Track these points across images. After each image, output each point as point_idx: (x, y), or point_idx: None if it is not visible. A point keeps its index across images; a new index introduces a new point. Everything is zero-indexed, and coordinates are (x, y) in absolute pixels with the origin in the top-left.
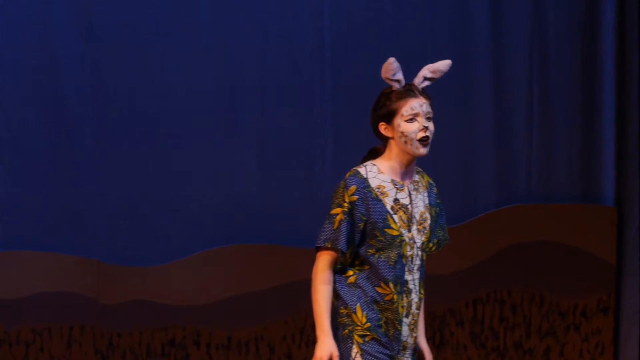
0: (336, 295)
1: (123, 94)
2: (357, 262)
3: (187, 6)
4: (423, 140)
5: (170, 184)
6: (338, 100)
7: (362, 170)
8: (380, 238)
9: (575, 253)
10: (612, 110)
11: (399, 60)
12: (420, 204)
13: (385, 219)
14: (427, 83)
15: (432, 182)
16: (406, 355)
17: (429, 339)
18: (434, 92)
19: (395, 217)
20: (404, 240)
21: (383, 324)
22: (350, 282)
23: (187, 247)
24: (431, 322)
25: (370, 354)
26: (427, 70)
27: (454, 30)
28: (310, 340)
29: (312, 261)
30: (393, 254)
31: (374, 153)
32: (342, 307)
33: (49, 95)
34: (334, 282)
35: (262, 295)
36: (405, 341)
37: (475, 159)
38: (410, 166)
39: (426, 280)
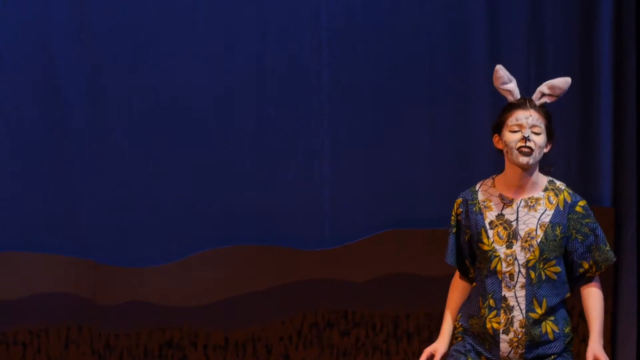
0: None
1: (121, 95)
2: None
3: (185, 7)
4: (522, 149)
5: (168, 184)
6: (336, 101)
7: (479, 183)
8: (477, 252)
9: None
10: (609, 111)
11: (398, 59)
12: (531, 221)
13: (480, 233)
14: (545, 99)
15: (575, 202)
16: None
17: (426, 340)
18: (436, 91)
19: (491, 232)
20: (498, 256)
21: (477, 336)
22: (470, 293)
23: (185, 248)
24: (429, 323)
25: (455, 352)
26: (545, 87)
27: (451, 31)
28: (307, 342)
29: (310, 262)
30: (485, 268)
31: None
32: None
33: (47, 96)
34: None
35: (260, 296)
36: (507, 356)
37: (474, 160)
38: (525, 180)
39: (420, 281)
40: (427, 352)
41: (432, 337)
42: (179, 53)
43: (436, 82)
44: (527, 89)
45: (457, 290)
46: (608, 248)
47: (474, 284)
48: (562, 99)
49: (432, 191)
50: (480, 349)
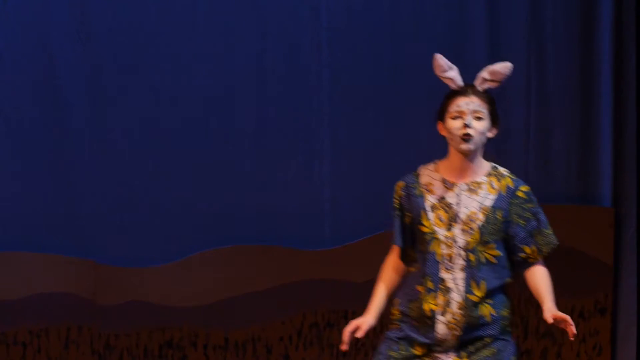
0: None
1: (121, 95)
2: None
3: (185, 7)
4: (464, 137)
5: (168, 184)
6: (336, 101)
7: (422, 167)
8: (418, 234)
9: (572, 254)
10: (609, 111)
11: (397, 60)
12: (472, 204)
13: (420, 215)
14: (488, 84)
15: (517, 186)
16: (449, 353)
17: None
18: (436, 91)
19: (432, 214)
20: (437, 239)
21: (414, 319)
22: (408, 276)
23: (185, 248)
24: None
25: (388, 339)
26: (485, 72)
27: (451, 31)
28: (307, 342)
29: (310, 262)
30: (424, 250)
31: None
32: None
33: (47, 96)
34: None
35: (260, 296)
36: (445, 339)
37: None
38: (467, 165)
39: None
40: (353, 324)
41: None
42: (179, 53)
43: (436, 82)
44: (527, 89)
45: (391, 268)
46: (550, 232)
47: (413, 268)
48: (561, 100)
49: None
50: (415, 335)
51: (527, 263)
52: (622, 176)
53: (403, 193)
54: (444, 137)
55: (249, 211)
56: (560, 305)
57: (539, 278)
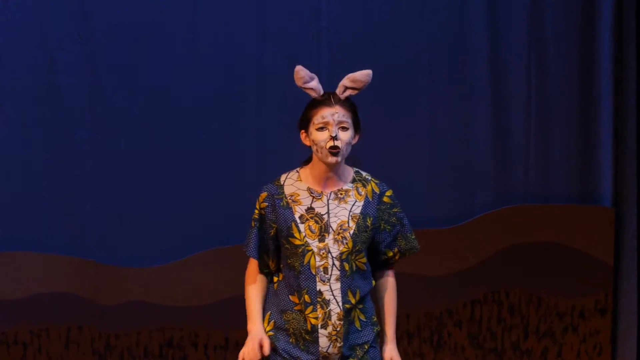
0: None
1: (121, 95)
2: (281, 269)
3: (185, 7)
4: (332, 149)
5: (168, 184)
6: None
7: (283, 176)
8: (287, 246)
9: (572, 254)
10: (609, 111)
11: (396, 60)
12: (342, 213)
13: (290, 228)
14: (349, 92)
15: (382, 191)
16: None
17: (427, 339)
18: (436, 92)
19: (302, 226)
20: (311, 250)
21: (292, 334)
22: (273, 290)
23: (185, 247)
24: (429, 323)
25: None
26: (347, 80)
27: (452, 31)
28: None
29: None
30: (297, 264)
31: (309, 161)
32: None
33: (47, 96)
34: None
35: None
36: (327, 352)
37: (473, 160)
38: (331, 174)
39: (420, 281)
40: (255, 342)
41: (432, 336)
42: (179, 53)
43: (436, 83)
44: (528, 89)
45: (255, 282)
46: (413, 237)
47: (275, 278)
48: (561, 100)
49: (432, 191)
50: (295, 353)
51: (386, 265)
52: (623, 176)
53: (267, 204)
54: (308, 147)
55: (248, 211)
56: (560, 305)
57: (389, 297)
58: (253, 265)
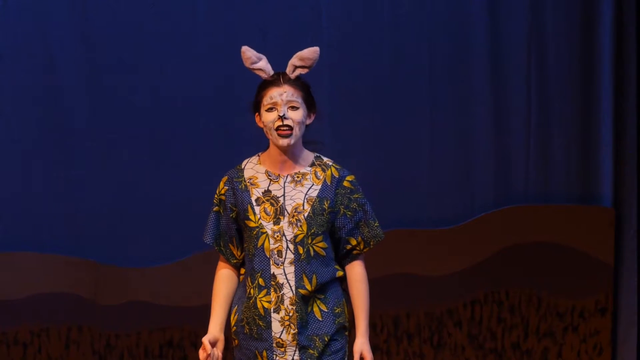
0: None
1: (121, 95)
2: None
3: (185, 7)
4: (280, 129)
5: (169, 184)
6: (336, 101)
7: (245, 161)
8: (245, 229)
9: (573, 254)
10: (609, 111)
11: (396, 60)
12: (298, 196)
13: (246, 210)
14: (299, 71)
15: (342, 176)
16: (287, 353)
17: (427, 340)
18: (436, 92)
19: (257, 208)
20: (265, 233)
21: (245, 324)
22: (240, 281)
23: (185, 248)
24: (429, 323)
25: (238, 358)
26: (295, 59)
27: (452, 30)
28: None
29: None
30: (251, 246)
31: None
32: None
33: (47, 96)
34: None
35: None
36: (280, 338)
37: (473, 160)
38: (288, 156)
39: (420, 281)
40: (205, 343)
41: (433, 337)
42: (179, 53)
43: (436, 82)
44: (527, 89)
45: (223, 280)
46: (377, 224)
47: (243, 269)
48: (562, 100)
49: (433, 191)
50: (250, 344)
51: (352, 256)
52: (623, 176)
53: (227, 187)
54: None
55: None
56: (560, 305)
57: (360, 289)
58: (221, 257)
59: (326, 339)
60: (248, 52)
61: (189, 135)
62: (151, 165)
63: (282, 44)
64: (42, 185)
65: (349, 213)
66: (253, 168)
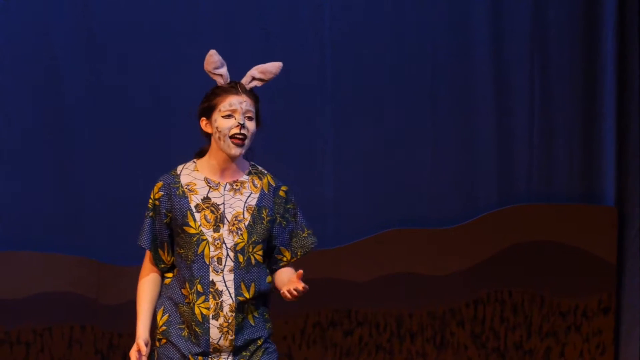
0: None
1: (123, 95)
2: (175, 265)
3: (186, 7)
4: (236, 138)
5: None
6: (338, 101)
7: (179, 167)
8: (182, 235)
9: (575, 253)
10: (612, 110)
11: (398, 59)
12: (237, 204)
13: (185, 216)
14: (255, 83)
15: (278, 185)
16: (222, 357)
17: (430, 339)
18: (439, 91)
19: (198, 215)
20: (206, 240)
21: (185, 327)
22: (166, 284)
23: None
24: (432, 322)
25: (164, 357)
26: (255, 71)
27: (454, 31)
28: (310, 341)
29: (313, 261)
30: (190, 253)
31: (203, 152)
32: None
33: (49, 96)
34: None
35: None
36: (217, 344)
37: (476, 160)
38: (229, 164)
39: (423, 280)
40: (136, 345)
41: (435, 336)
42: (179, 53)
43: (439, 82)
44: (531, 89)
45: (149, 284)
46: (306, 234)
47: (170, 274)
48: (565, 99)
49: (435, 190)
50: (187, 346)
51: (281, 266)
52: (625, 175)
53: (162, 193)
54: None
55: None
56: (563, 305)
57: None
58: (147, 259)
59: (259, 342)
60: (215, 57)
61: (191, 135)
62: (152, 165)
63: (284, 44)
64: (42, 185)
65: (284, 222)
66: (190, 174)
